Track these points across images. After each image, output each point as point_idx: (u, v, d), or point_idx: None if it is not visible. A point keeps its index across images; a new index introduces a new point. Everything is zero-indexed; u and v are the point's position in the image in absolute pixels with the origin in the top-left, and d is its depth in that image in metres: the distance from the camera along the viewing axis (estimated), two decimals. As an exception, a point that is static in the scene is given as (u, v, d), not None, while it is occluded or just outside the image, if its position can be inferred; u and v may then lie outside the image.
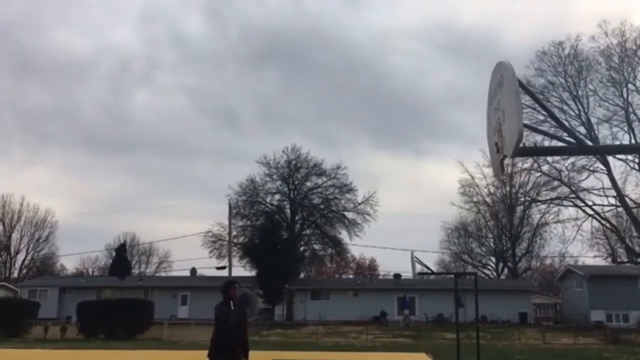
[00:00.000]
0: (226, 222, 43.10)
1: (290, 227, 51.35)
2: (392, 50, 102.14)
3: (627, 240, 31.63)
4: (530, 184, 46.97)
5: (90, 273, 70.01)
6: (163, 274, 67.63)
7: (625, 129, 30.42)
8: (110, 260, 61.26)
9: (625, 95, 30.47)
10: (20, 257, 64.51)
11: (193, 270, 58.08)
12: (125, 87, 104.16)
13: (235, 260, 45.59)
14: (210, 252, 51.37)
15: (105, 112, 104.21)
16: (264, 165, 51.91)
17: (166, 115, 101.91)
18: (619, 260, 34.95)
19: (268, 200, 53.03)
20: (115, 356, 19.74)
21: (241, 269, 48.89)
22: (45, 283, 47.79)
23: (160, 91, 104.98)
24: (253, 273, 47.42)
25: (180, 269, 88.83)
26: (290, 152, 51.98)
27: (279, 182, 52.67)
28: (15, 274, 62.52)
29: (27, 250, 64.60)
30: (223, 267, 40.38)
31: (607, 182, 30.07)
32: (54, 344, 27.57)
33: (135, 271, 66.25)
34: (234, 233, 46.52)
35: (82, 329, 31.34)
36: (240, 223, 51.08)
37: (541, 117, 27.63)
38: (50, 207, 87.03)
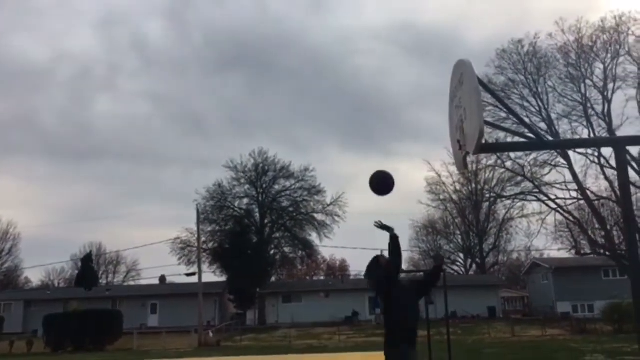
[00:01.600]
0: (195, 228, 42.64)
1: (260, 230, 51.14)
2: (356, 52, 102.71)
3: (589, 232, 32.41)
4: (494, 181, 47.78)
5: (56, 285, 68.36)
6: (132, 283, 66.57)
7: (584, 123, 31.19)
8: (77, 271, 59.98)
9: (583, 91, 31.25)
10: (-18, 271, 62.70)
11: (162, 278, 57.27)
12: (86, 95, 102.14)
13: (205, 266, 45.16)
14: (179, 259, 50.75)
15: (67, 120, 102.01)
16: (231, 169, 51.62)
17: (131, 122, 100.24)
18: (582, 252, 35.79)
19: (236, 204, 52.73)
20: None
21: (211, 275, 48.51)
22: (9, 297, 46.51)
23: (123, 98, 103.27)
24: (224, 278, 47.09)
25: (149, 277, 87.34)
26: (257, 155, 51.82)
27: (247, 186, 52.43)
28: (-23, 289, 60.70)
29: (-11, 263, 62.82)
30: (193, 274, 39.90)
31: (569, 176, 30.78)
32: (21, 359, 26.87)
33: (103, 281, 65.04)
34: (203, 239, 46.08)
35: (49, 343, 30.64)
36: (209, 228, 50.62)
37: (503, 115, 28.17)
38: (13, 218, 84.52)
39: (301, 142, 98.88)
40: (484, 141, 4.07)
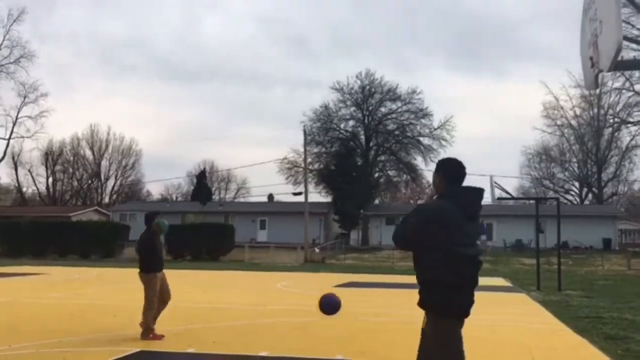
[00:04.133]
0: (301, 149, 43.64)
1: (365, 153, 51.32)
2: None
3: None
4: (620, 105, 44.11)
5: (174, 199, 73.61)
6: (242, 200, 70.07)
7: None
8: (192, 187, 63.99)
9: None
10: (110, 184, 68.70)
11: (270, 196, 59.77)
12: (195, 15, 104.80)
13: (311, 187, 46.37)
14: (287, 178, 52.49)
15: (179, 41, 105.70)
16: (337, 91, 51.55)
17: (237, 43, 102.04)
18: None
19: (342, 126, 52.99)
20: (216, 276, 20.88)
21: (317, 195, 49.80)
22: (133, 207, 50.81)
23: (230, 19, 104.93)
24: (329, 199, 48.20)
25: (258, 195, 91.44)
26: (363, 77, 51.20)
27: (352, 108, 52.33)
28: (107, 199, 66.78)
29: (116, 176, 68.59)
30: (299, 193, 41.26)
31: None
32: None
33: (216, 197, 68.99)
34: (309, 160, 47.07)
35: (169, 252, 33.38)
36: (315, 150, 51.55)
37: (635, 32, 25.48)
38: (134, 136, 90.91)
39: (408, 63, 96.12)
40: (620, 58, 3.66)
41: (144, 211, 46.77)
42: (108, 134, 67.21)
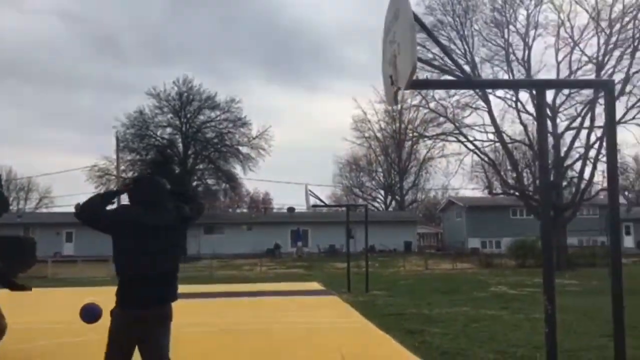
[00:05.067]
0: (113, 156, 41.25)
1: (183, 161, 50.20)
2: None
3: (502, 174, 34.09)
4: (418, 120, 48.83)
5: (-38, 211, 64.85)
6: (45, 211, 64.11)
7: (505, 68, 32.17)
8: (-16, 197, 56.96)
9: (506, 36, 32.02)
10: None
11: (78, 206, 55.42)
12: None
13: (124, 195, 44.04)
14: (97, 187, 49.17)
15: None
16: (153, 97, 49.70)
17: (38, 41, 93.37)
18: (494, 192, 37.72)
19: (159, 133, 51.22)
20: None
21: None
22: None
23: (31, 13, 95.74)
24: (144, 208, 46.23)
25: (64, 205, 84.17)
26: (181, 84, 50.05)
27: (170, 115, 50.88)
28: None
29: None
30: (112, 202, 38.90)
31: (488, 119, 31.98)
32: None
33: (14, 208, 62.20)
34: (122, 167, 44.72)
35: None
36: (129, 157, 49.14)
37: (430, 56, 28.45)
38: None
39: (225, 73, 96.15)
40: (415, 77, 4.07)
41: None
42: None
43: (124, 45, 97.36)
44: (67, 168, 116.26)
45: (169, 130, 51.39)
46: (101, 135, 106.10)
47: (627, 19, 29.41)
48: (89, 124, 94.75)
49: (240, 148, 51.58)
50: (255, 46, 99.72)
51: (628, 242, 44.54)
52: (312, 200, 19.65)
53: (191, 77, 58.95)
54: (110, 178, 47.74)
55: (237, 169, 51.84)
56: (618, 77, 29.11)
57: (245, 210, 71.64)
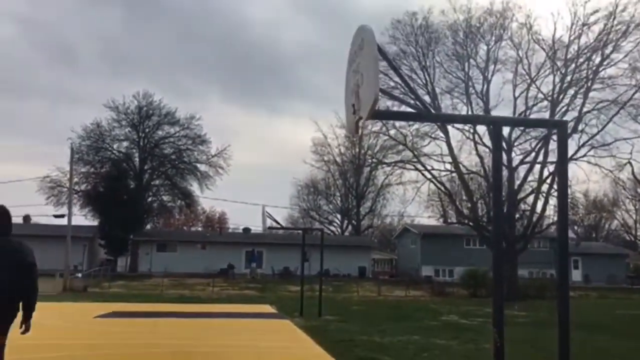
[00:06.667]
0: (67, 168, 40.15)
1: (139, 176, 49.32)
2: (249, 1, 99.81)
3: (457, 203, 34.71)
4: (377, 147, 49.37)
5: None
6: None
7: (464, 100, 33.03)
8: None
9: (466, 70, 32.93)
10: None
11: (27, 218, 53.71)
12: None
13: (75, 209, 42.87)
14: (47, 198, 47.88)
15: None
16: (111, 109, 48.92)
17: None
18: (449, 221, 38.33)
19: (115, 147, 50.39)
20: None
21: (82, 218, 46.30)
22: None
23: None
24: (95, 222, 45.15)
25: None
26: (141, 97, 49.50)
27: (127, 129, 50.13)
28: None
29: None
30: (62, 216, 37.75)
31: (445, 149, 32.60)
32: None
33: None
34: (76, 179, 43.59)
35: None
36: (83, 169, 48.04)
37: (392, 84, 28.95)
38: None
39: (184, 89, 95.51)
40: (376, 108, 4.14)
41: None
42: None
43: (80, 55, 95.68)
44: (17, 178, 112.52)
45: (125, 144, 50.67)
46: (56, 145, 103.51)
47: (581, 59, 30.75)
48: (41, 133, 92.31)
49: (199, 165, 51.15)
50: (214, 63, 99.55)
51: (576, 275, 45.80)
52: (269, 222, 19.59)
53: (152, 92, 58.40)
54: (62, 190, 46.49)
55: (194, 187, 51.35)
56: (571, 115, 30.31)
57: (200, 229, 70.67)
